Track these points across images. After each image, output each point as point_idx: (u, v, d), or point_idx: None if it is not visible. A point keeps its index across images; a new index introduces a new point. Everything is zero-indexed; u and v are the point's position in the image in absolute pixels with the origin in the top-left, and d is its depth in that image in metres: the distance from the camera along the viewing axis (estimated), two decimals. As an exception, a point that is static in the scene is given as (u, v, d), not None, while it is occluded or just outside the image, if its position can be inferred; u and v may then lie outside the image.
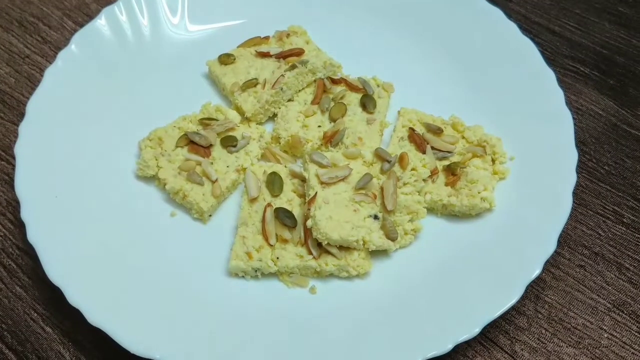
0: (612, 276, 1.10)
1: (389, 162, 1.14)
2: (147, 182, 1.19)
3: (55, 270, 1.01)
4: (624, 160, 1.26)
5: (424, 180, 1.14)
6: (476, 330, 0.94)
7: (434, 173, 1.16)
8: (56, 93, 1.24)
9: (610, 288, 1.09)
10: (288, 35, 1.37)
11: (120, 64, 1.33)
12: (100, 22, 1.35)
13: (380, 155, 1.15)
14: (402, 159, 1.14)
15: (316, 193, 1.08)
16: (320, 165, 1.13)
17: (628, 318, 1.05)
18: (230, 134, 1.23)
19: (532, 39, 1.45)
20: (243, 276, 1.08)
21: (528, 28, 1.50)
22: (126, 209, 1.15)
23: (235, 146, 1.21)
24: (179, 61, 1.37)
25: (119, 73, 1.32)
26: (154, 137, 1.21)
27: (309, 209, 1.07)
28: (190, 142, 1.21)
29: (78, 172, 1.16)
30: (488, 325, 0.97)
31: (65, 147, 1.18)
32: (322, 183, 1.10)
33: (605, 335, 1.04)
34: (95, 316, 0.96)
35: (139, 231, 1.12)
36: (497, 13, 1.37)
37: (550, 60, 1.42)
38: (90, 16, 1.52)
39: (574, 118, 1.30)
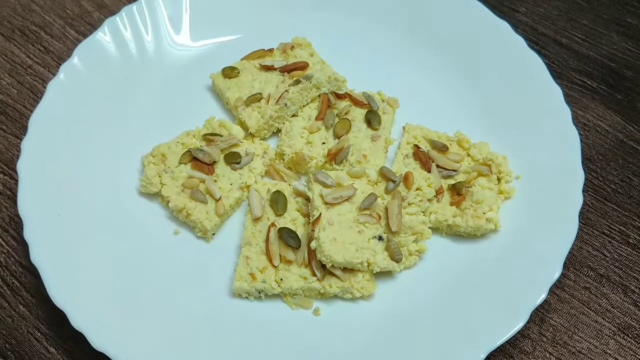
0: (618, 299, 1.10)
1: (393, 181, 1.13)
2: (151, 198, 1.19)
3: (59, 293, 1.00)
4: (631, 178, 1.25)
5: (428, 200, 1.14)
6: (481, 356, 0.94)
7: (439, 192, 1.15)
8: (58, 108, 1.23)
9: (615, 311, 1.08)
10: (292, 47, 1.36)
11: (123, 77, 1.32)
12: (103, 34, 1.33)
13: (385, 175, 1.14)
14: (406, 179, 1.13)
15: (320, 214, 1.08)
16: (325, 185, 1.12)
17: (633, 342, 1.05)
18: (234, 150, 1.22)
19: (539, 52, 1.44)
20: (247, 297, 1.07)
21: (535, 40, 1.49)
22: (130, 227, 1.14)
23: (239, 163, 1.20)
24: (182, 74, 1.36)
25: (122, 86, 1.31)
26: (157, 154, 1.20)
27: (312, 230, 1.07)
28: (194, 158, 1.20)
29: (81, 189, 1.16)
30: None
31: (68, 163, 1.18)
32: (326, 203, 1.10)
33: (610, 360, 1.04)
34: (99, 340, 0.96)
35: (143, 250, 1.12)
36: (505, 26, 1.35)
37: (557, 74, 1.41)
38: (92, 25, 1.51)
39: (580, 134, 1.29)
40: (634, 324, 1.07)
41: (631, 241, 1.16)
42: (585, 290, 1.10)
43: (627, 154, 1.29)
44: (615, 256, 1.15)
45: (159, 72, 1.35)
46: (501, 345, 1.02)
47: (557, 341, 1.05)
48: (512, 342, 1.04)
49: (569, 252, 1.12)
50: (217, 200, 1.15)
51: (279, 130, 1.28)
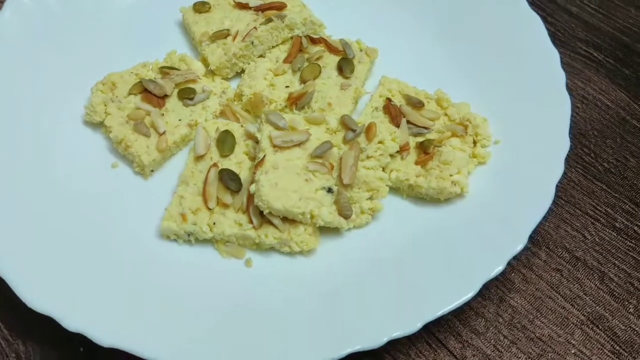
0: (592, 285, 0.96)
1: (353, 131, 1.02)
2: (95, 129, 1.10)
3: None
4: (628, 158, 1.11)
5: (391, 155, 1.02)
6: (417, 325, 0.82)
7: (403, 149, 1.03)
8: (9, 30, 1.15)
9: (587, 298, 0.95)
10: (273, -13, 1.25)
11: (88, 6, 1.24)
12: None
13: (345, 124, 1.03)
14: (369, 130, 1.02)
15: (264, 156, 0.97)
16: (276, 127, 1.01)
17: (602, 334, 0.92)
18: (190, 85, 1.12)
19: (545, 19, 1.30)
20: (175, 239, 0.97)
21: (541, 5, 1.35)
22: (65, 156, 1.06)
23: (192, 99, 1.10)
24: (153, 8, 1.27)
25: (86, 15, 1.22)
26: (107, 82, 1.11)
27: (254, 173, 0.96)
28: (145, 90, 1.10)
29: (25, 117, 1.08)
30: (435, 323, 0.85)
31: (17, 91, 1.09)
32: (274, 146, 0.99)
33: (573, 351, 0.90)
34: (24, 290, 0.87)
35: (74, 180, 1.03)
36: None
37: (560, 42, 1.28)
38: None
39: (576, 106, 1.17)
40: (606, 314, 0.93)
41: (617, 225, 1.03)
42: (556, 273, 0.97)
43: (627, 133, 1.15)
44: (597, 239, 1.01)
45: (128, 4, 1.26)
46: (450, 321, 0.91)
47: (515, 324, 0.92)
48: (463, 319, 0.92)
49: (544, 230, 1.01)
50: (160, 135, 1.05)
51: (243, 71, 1.18)
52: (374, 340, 0.81)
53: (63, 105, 1.11)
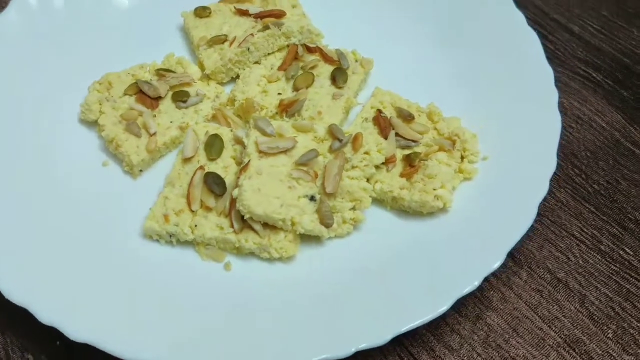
0: (572, 308, 0.95)
1: (340, 140, 1.02)
2: (90, 127, 1.12)
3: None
4: (619, 181, 1.10)
5: (377, 167, 1.02)
6: (387, 337, 0.82)
7: (390, 161, 1.03)
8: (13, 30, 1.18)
9: (565, 321, 0.94)
10: (275, -5, 1.26)
11: (91, 8, 1.26)
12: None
13: (333, 133, 1.03)
14: (355, 140, 1.02)
15: (249, 161, 0.98)
16: (263, 133, 1.02)
17: (578, 358, 0.90)
18: (185, 89, 1.14)
19: (545, 37, 1.30)
20: (157, 240, 0.98)
21: (543, 24, 1.34)
22: (59, 152, 1.08)
23: (185, 102, 1.12)
24: (156, 10, 1.29)
25: (89, 15, 1.25)
26: (104, 81, 1.14)
27: (238, 177, 0.97)
28: (140, 91, 1.12)
29: (24, 116, 1.10)
30: (408, 336, 0.85)
31: (18, 87, 1.12)
32: (260, 152, 1.00)
33: (547, 373, 0.89)
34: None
35: (64, 177, 1.05)
36: (506, 1, 1.22)
37: (559, 61, 1.27)
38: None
39: (570, 126, 1.17)
40: (584, 338, 0.92)
41: (603, 248, 1.01)
42: (535, 293, 0.96)
43: (620, 155, 1.13)
44: (581, 262, 1.00)
45: (130, 7, 1.29)
46: (425, 336, 0.91)
47: (490, 343, 0.91)
48: (437, 335, 0.91)
49: (527, 249, 1.01)
50: (150, 135, 1.07)
51: (238, 77, 1.19)
52: (342, 350, 0.81)
53: (63, 104, 1.14)
